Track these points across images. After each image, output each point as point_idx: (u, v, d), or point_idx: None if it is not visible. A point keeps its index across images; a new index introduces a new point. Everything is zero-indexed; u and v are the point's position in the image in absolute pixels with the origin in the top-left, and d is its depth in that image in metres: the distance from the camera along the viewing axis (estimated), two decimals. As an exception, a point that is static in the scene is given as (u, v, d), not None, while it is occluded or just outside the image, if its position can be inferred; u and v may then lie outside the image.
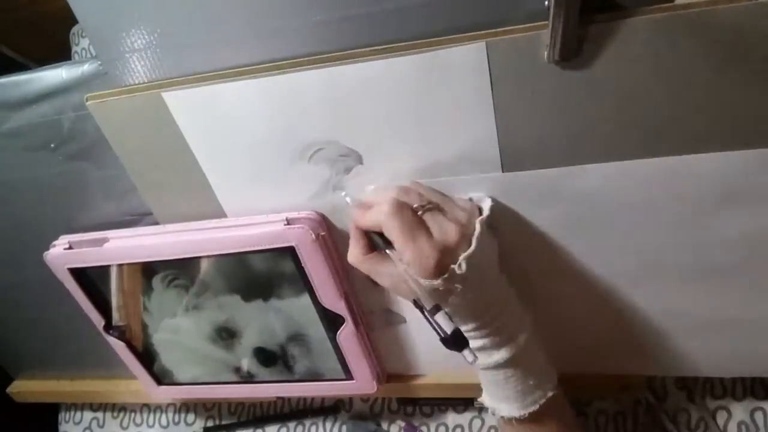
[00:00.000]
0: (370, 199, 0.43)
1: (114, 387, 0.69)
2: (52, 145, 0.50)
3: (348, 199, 0.46)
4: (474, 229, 0.39)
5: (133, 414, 0.77)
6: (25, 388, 0.72)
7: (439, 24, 0.38)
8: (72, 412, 0.79)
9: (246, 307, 0.54)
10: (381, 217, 0.39)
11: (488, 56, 0.37)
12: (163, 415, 0.76)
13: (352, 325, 0.52)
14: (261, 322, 0.55)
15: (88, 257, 0.53)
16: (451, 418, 0.65)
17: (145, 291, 0.55)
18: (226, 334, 0.57)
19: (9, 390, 0.73)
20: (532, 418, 0.42)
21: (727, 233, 0.42)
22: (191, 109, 0.44)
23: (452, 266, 0.38)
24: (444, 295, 0.39)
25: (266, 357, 0.58)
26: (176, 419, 0.75)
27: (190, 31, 0.42)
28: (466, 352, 0.38)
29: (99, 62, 0.45)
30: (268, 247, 0.47)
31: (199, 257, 0.51)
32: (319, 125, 0.43)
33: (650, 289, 0.47)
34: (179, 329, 0.58)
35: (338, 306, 0.50)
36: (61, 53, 0.75)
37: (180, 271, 0.53)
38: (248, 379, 0.60)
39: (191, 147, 0.46)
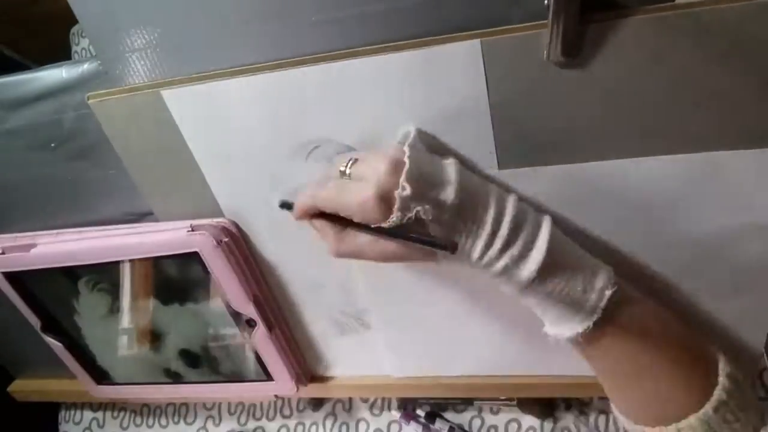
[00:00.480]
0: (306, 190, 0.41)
1: (114, 387, 0.69)
2: (53, 145, 0.51)
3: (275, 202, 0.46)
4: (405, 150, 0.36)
5: (133, 414, 0.77)
6: (26, 387, 0.72)
7: (437, 24, 0.38)
8: (72, 412, 0.79)
9: (165, 310, 0.55)
10: (307, 198, 0.39)
11: (483, 54, 0.37)
12: (163, 415, 0.76)
13: (264, 327, 0.53)
14: (181, 325, 0.56)
15: (17, 262, 0.54)
16: (451, 418, 0.65)
17: (74, 294, 0.57)
18: (152, 337, 0.58)
19: (10, 389, 0.73)
20: (602, 330, 0.36)
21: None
22: (189, 107, 0.44)
23: (395, 192, 0.35)
24: (417, 222, 0.36)
25: (191, 358, 0.59)
26: (176, 419, 0.75)
27: (190, 31, 0.42)
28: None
29: (99, 62, 0.45)
30: (174, 252, 0.49)
31: (117, 262, 0.53)
32: (316, 123, 0.43)
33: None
34: (108, 331, 0.59)
35: (248, 309, 0.52)
36: (61, 53, 0.76)
37: (102, 275, 0.55)
38: (177, 380, 0.62)
39: (189, 146, 0.46)
